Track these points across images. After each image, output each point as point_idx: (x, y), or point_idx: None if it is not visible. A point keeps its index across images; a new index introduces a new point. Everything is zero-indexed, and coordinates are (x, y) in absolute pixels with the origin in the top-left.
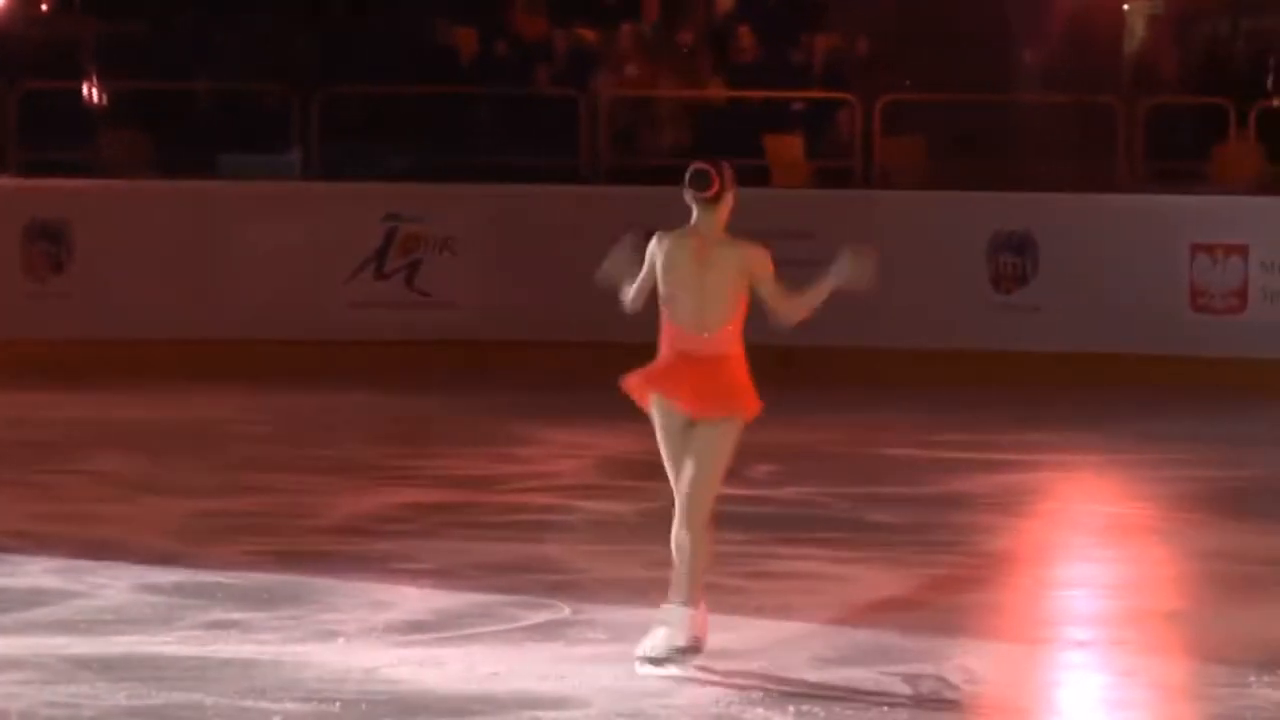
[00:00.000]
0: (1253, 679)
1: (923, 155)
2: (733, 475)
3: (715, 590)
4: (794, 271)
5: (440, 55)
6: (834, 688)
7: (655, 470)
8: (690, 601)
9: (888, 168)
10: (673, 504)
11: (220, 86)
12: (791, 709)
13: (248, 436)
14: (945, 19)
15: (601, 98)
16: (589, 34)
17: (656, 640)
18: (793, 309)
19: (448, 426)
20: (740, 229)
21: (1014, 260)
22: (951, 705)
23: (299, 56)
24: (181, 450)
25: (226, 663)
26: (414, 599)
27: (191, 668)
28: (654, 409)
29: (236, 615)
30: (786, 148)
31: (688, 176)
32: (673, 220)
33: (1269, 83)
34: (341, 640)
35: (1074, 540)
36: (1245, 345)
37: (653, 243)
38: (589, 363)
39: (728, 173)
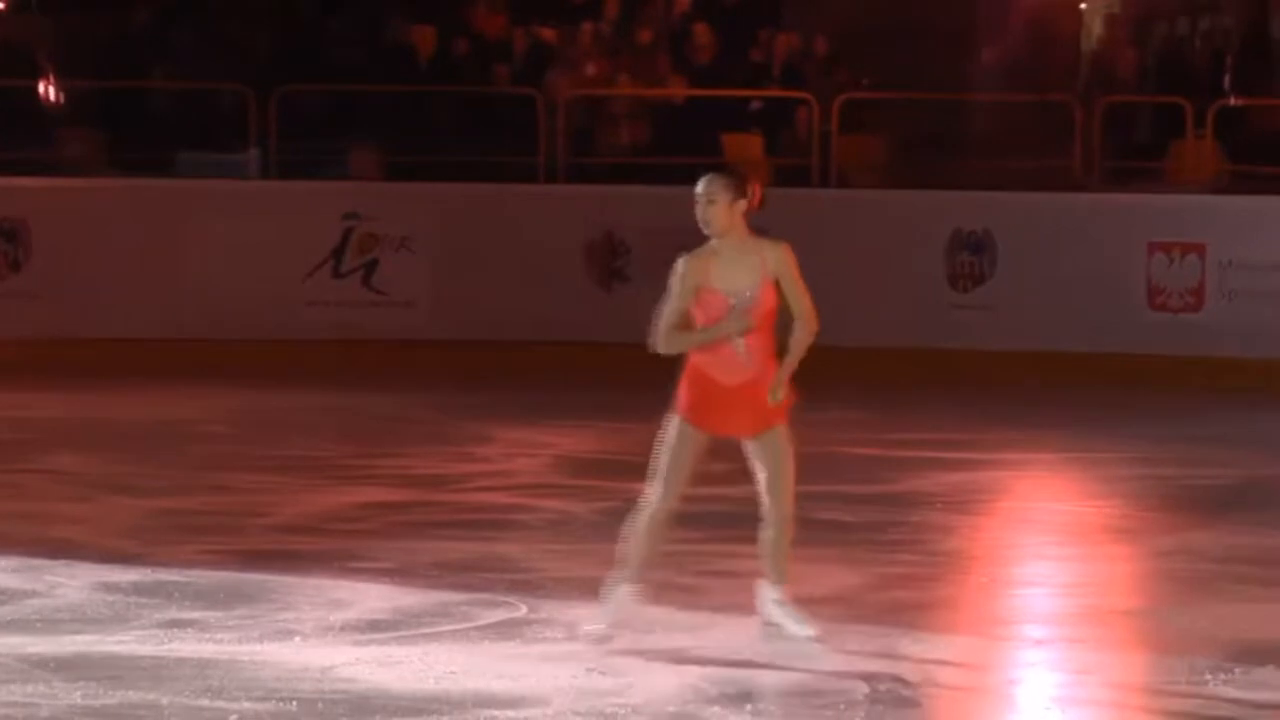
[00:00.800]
0: (1209, 677)
1: (881, 154)
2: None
3: (672, 589)
4: None
5: (399, 54)
6: (791, 686)
7: (612, 469)
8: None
9: (845, 167)
10: (631, 504)
11: (178, 85)
12: (749, 708)
13: (206, 435)
14: (904, 18)
15: (559, 96)
16: (548, 33)
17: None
18: None
19: (405, 425)
20: (698, 227)
21: (972, 259)
22: (908, 704)
23: (257, 56)
24: (139, 449)
25: (183, 662)
26: (371, 598)
27: (148, 667)
28: None
29: (193, 614)
30: (745, 146)
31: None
32: (642, 220)
33: (1226, 82)
34: (298, 639)
35: (1031, 539)
36: (1202, 344)
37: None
38: (547, 362)
39: None
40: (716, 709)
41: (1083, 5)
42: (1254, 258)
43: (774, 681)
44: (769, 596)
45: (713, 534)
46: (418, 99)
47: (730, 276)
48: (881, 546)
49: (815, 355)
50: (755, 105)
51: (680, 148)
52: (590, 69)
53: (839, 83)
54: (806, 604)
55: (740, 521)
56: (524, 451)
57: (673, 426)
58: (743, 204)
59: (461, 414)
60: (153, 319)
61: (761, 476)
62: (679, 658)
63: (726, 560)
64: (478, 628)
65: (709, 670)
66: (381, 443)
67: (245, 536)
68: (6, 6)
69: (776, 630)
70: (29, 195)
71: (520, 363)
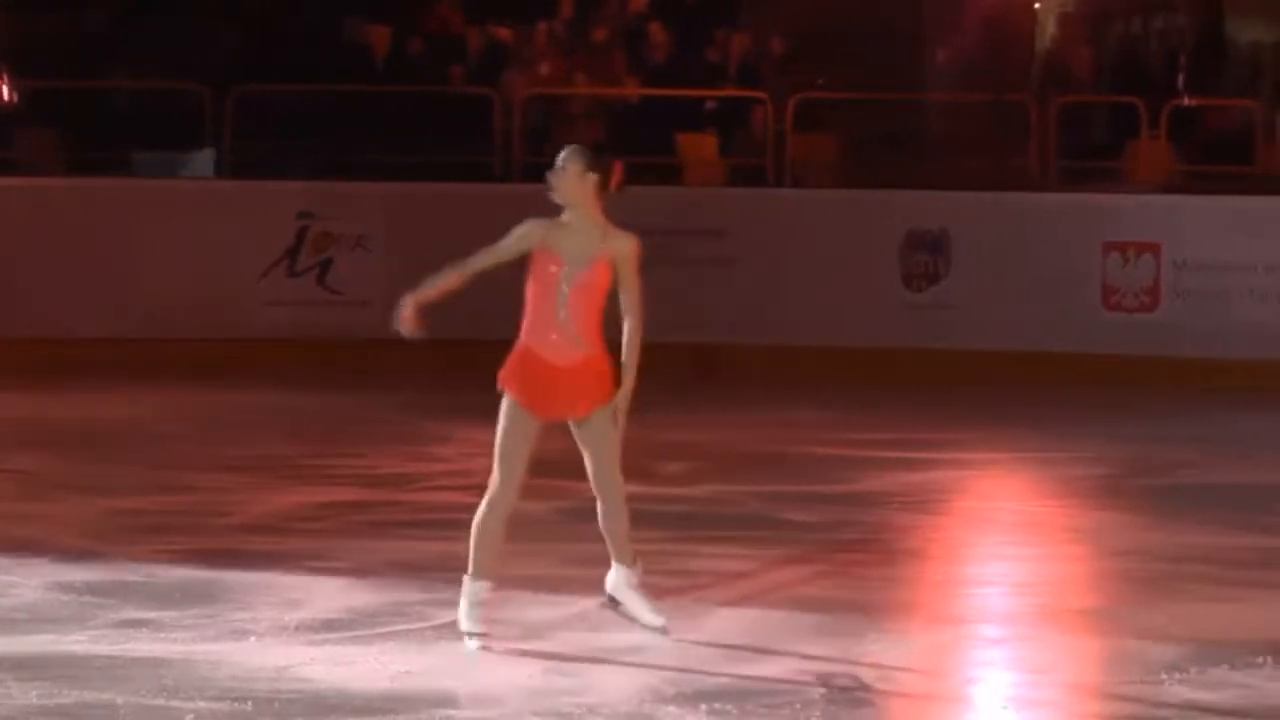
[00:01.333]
0: (1165, 676)
1: (836, 154)
2: (645, 473)
3: None
4: (706, 271)
5: (354, 53)
6: (747, 686)
7: (571, 469)
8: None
9: (800, 166)
10: (592, 501)
11: (134, 85)
12: (704, 707)
13: (163, 435)
14: (858, 18)
15: (515, 96)
16: (504, 32)
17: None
18: None
19: (363, 425)
20: (653, 226)
21: (927, 259)
22: (865, 703)
23: (213, 55)
24: (96, 449)
25: (139, 661)
26: (327, 597)
27: (103, 667)
28: None
29: (149, 614)
30: (700, 146)
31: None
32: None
33: (1180, 82)
34: (254, 639)
35: (987, 538)
36: (1157, 343)
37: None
38: (504, 361)
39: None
40: (672, 709)
41: (1037, 5)
42: (1208, 257)
43: (730, 681)
44: (622, 580)
45: (670, 534)
46: (373, 98)
47: (570, 245)
48: (839, 546)
49: (771, 355)
50: (710, 105)
51: (635, 147)
52: (545, 68)
53: (794, 82)
54: (763, 603)
55: (698, 521)
56: (483, 451)
57: (504, 407)
58: (594, 178)
59: (420, 414)
60: (109, 318)
61: (590, 459)
62: (635, 657)
63: (684, 559)
64: (434, 627)
65: (665, 670)
66: (339, 443)
67: (202, 536)
68: None
69: (616, 610)
70: None
71: (478, 362)
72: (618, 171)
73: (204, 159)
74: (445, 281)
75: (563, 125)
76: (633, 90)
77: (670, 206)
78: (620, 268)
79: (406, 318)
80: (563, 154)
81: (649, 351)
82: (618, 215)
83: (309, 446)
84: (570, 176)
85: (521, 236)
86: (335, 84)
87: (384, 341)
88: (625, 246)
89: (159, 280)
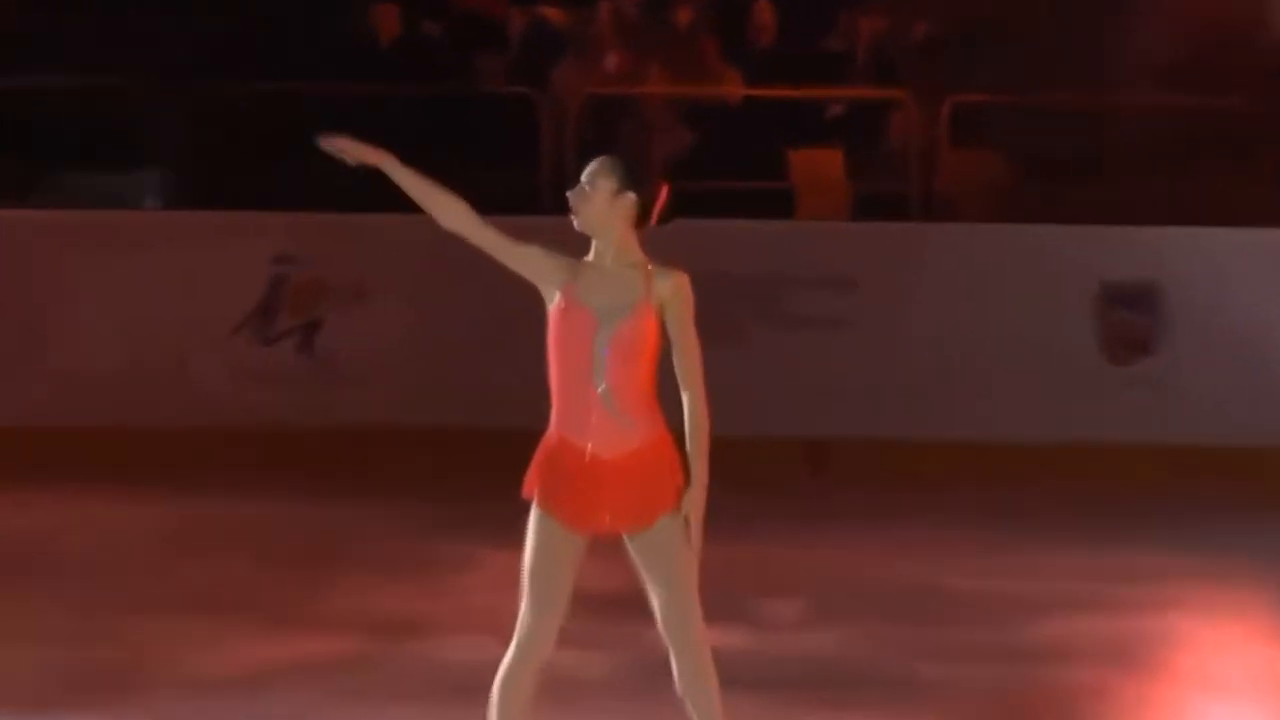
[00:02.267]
0: None
1: (1001, 176)
2: (739, 613)
3: None
4: (829, 335)
5: (354, 42)
6: None
7: (638, 608)
8: None
9: (955, 193)
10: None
11: (57, 86)
12: None
13: (96, 561)
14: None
15: (570, 97)
16: (554, 13)
17: None
18: None
19: (360, 546)
20: (757, 273)
21: (1133, 319)
22: None
23: (163, 47)
24: (7, 581)
25: None
26: None
27: None
28: None
29: None
30: (820, 164)
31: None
32: (681, 261)
33: None
34: None
35: (1209, 705)
36: None
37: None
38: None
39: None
40: None
41: None
42: None
43: None
44: None
45: (776, 696)
46: (379, 100)
47: (601, 291)
48: (1005, 715)
49: (912, 450)
50: (834, 109)
51: (735, 164)
52: (612, 61)
53: (946, 80)
54: None
55: (813, 681)
56: (516, 582)
57: (532, 521)
58: (630, 199)
59: (436, 530)
60: (15, 401)
61: (655, 590)
62: None
63: None
64: None
65: None
66: (331, 571)
67: (144, 699)
68: None
69: None
70: None
71: (515, 459)
72: (663, 194)
73: (146, 182)
74: (428, 193)
75: (635, 136)
76: (730, 90)
77: (781, 245)
78: (668, 315)
79: (360, 150)
80: (589, 168)
81: (747, 444)
82: (709, 259)
83: (291, 575)
84: (599, 198)
85: (536, 257)
86: (329, 82)
87: (390, 431)
88: (672, 287)
89: (84, 348)
